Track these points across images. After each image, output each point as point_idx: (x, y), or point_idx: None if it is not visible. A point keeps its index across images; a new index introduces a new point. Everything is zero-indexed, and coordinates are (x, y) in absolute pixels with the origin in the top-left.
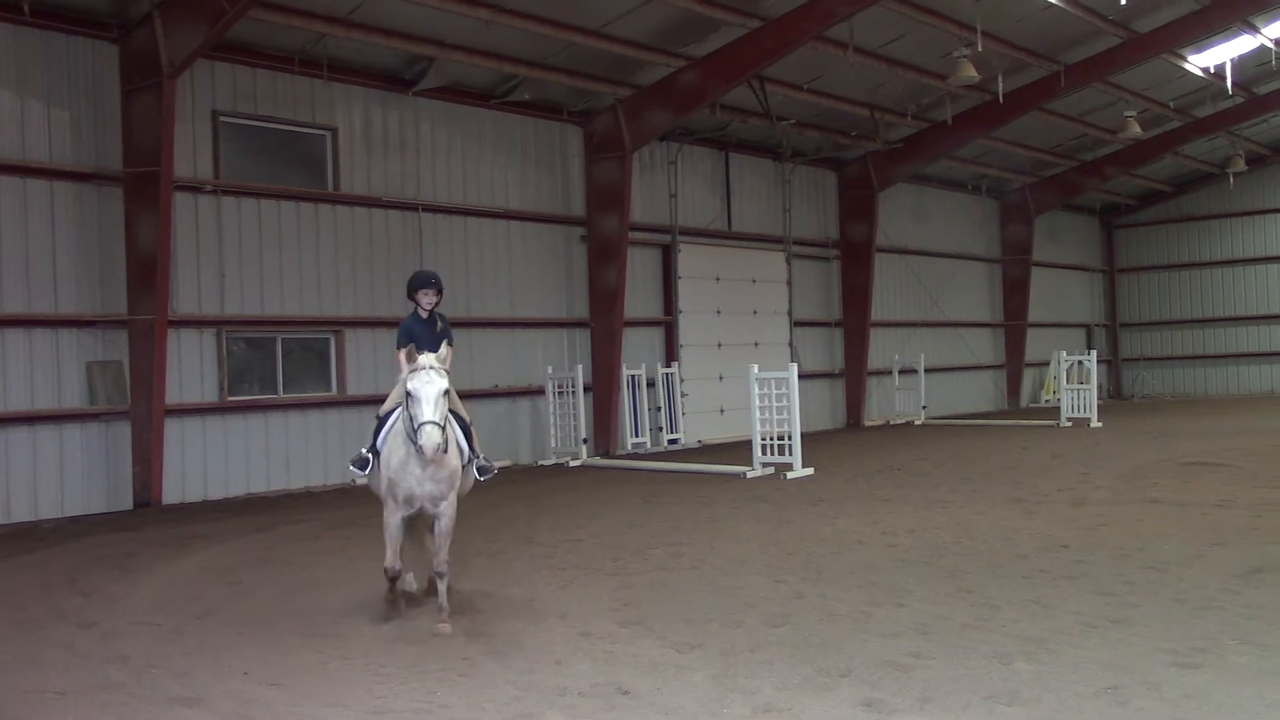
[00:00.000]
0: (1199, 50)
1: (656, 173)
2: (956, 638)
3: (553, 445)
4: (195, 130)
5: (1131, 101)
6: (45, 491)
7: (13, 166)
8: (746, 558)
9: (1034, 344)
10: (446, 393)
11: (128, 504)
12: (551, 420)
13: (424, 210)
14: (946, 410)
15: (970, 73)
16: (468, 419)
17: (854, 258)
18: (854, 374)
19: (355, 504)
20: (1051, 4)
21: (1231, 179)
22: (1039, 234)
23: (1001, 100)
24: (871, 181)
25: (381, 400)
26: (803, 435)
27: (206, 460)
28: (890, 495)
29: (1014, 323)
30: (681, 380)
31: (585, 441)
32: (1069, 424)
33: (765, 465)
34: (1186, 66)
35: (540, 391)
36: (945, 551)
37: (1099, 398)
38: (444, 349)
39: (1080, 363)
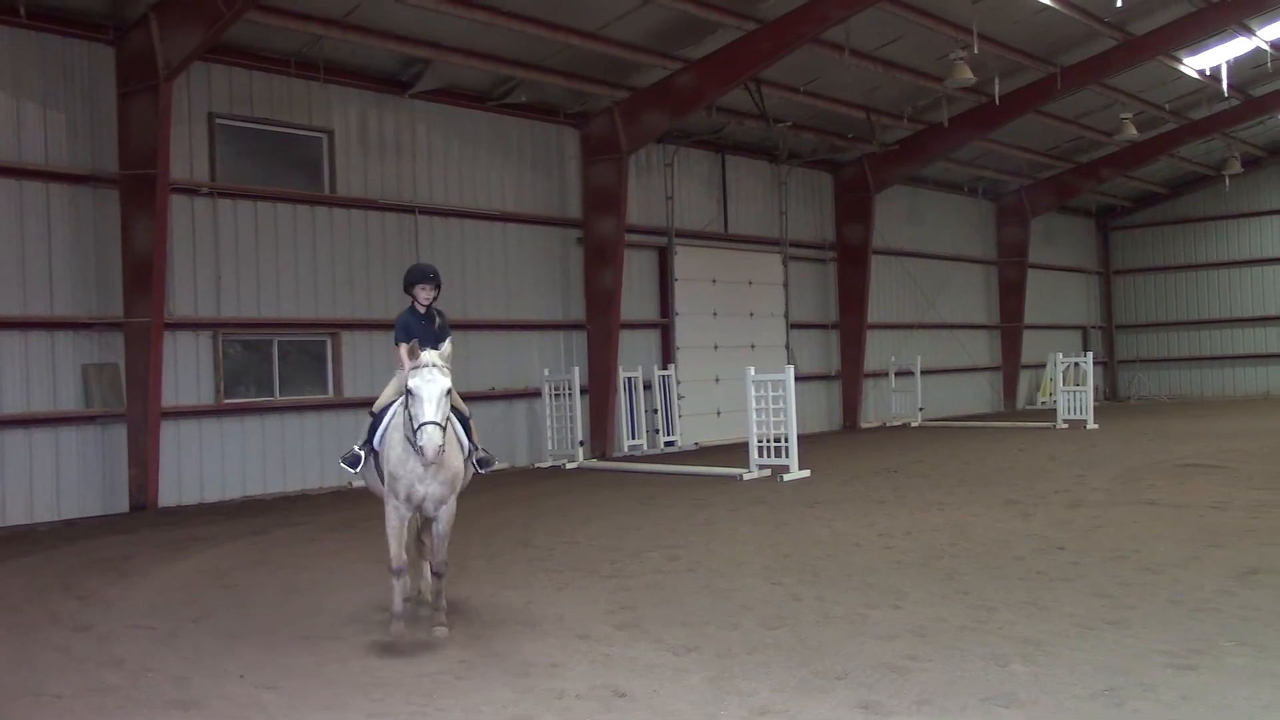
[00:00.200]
0: (1195, 53)
1: (653, 175)
2: (953, 640)
3: (549, 448)
4: (191, 132)
5: (1127, 104)
6: (41, 494)
7: (9, 169)
8: (743, 560)
9: (1030, 346)
10: (449, 392)
11: (124, 507)
12: (548, 423)
13: (420, 212)
14: (943, 412)
15: (966, 75)
16: (467, 412)
17: (850, 260)
18: (850, 376)
19: (352, 506)
20: (1047, 6)
21: (1227, 181)
22: (1035, 236)
23: (998, 102)
24: (868, 183)
25: None
26: (799, 437)
27: (203, 463)
28: (887, 497)
29: (1010, 325)
30: (678, 382)
31: (582, 444)
32: (1065, 426)
33: (762, 467)
34: (1182, 69)
35: (537, 394)
36: (942, 553)
37: (1095, 399)
38: (446, 346)
39: (1076, 364)
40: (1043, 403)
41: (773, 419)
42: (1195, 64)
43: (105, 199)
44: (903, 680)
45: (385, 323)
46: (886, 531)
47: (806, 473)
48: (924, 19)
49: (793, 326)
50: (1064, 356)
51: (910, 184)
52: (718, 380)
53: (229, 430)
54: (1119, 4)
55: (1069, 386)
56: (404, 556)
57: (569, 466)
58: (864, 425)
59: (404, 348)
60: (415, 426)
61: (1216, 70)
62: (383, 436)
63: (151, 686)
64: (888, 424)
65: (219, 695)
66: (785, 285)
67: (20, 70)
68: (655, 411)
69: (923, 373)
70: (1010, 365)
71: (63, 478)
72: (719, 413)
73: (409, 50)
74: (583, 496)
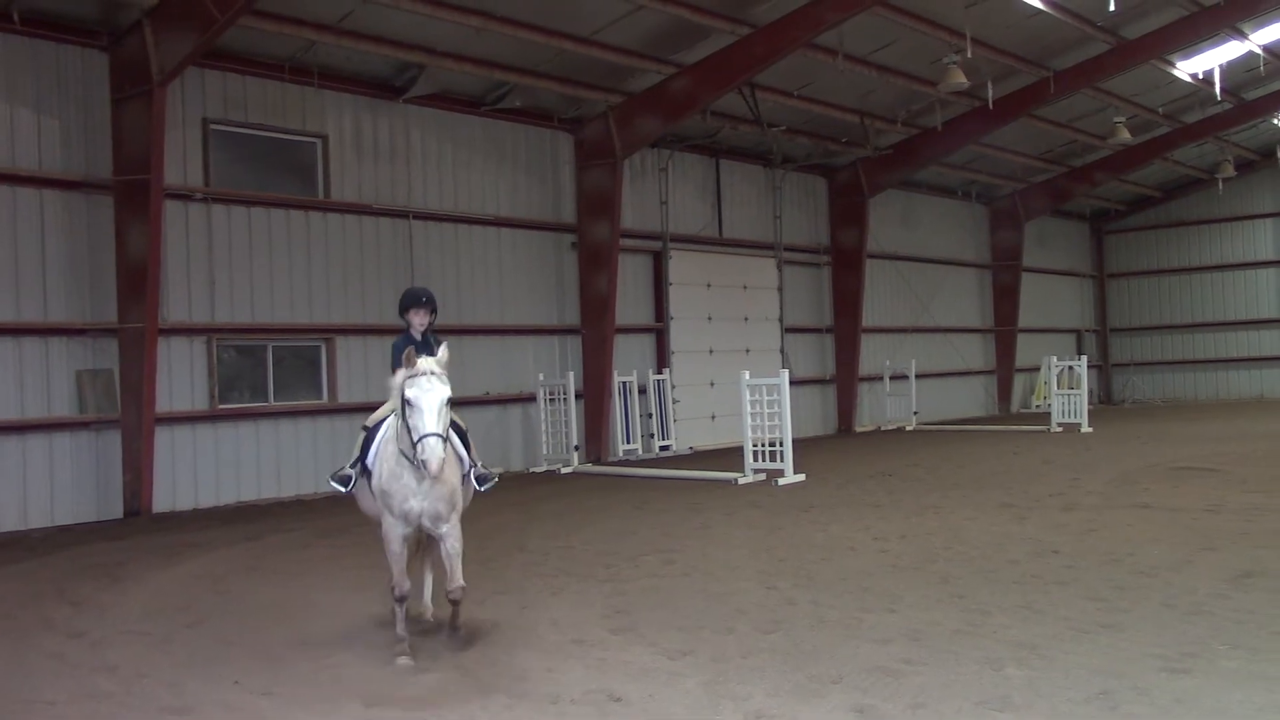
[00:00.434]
0: (1187, 56)
1: (647, 179)
2: (948, 644)
3: (544, 452)
4: (185, 138)
5: (1121, 107)
6: (35, 501)
7: (2, 175)
8: (738, 564)
9: (1024, 349)
10: (449, 402)
11: (118, 513)
12: (543, 427)
13: (415, 217)
14: (938, 416)
15: (960, 79)
16: (464, 426)
17: (845, 264)
18: (845, 380)
19: (346, 512)
20: (1041, 10)
21: (1220, 184)
22: (1029, 240)
23: (991, 106)
24: (862, 188)
25: (375, 408)
26: (794, 441)
27: (197, 469)
28: (882, 501)
29: (1004, 328)
30: (673, 386)
31: (577, 448)
32: (1059, 429)
33: (757, 471)
34: (1175, 73)
35: (532, 398)
36: (936, 557)
37: (1089, 403)
38: (443, 351)
39: (1070, 368)
40: (1037, 406)
41: (767, 423)
42: (1188, 68)
43: (99, 205)
44: (897, 684)
45: (380, 328)
46: (881, 535)
47: (801, 477)
48: (917, 23)
49: (787, 330)
50: (1058, 360)
51: (904, 188)
52: (712, 384)
53: (223, 436)
54: (1112, 8)
55: (1063, 390)
56: (407, 582)
57: (564, 471)
58: (859, 429)
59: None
60: (415, 439)
61: (1209, 74)
62: (376, 452)
63: (145, 693)
64: (882, 428)
65: (213, 701)
66: (780, 289)
67: (13, 76)
68: (650, 416)
69: (917, 376)
70: (1004, 369)
71: (57, 483)
72: (714, 417)
73: (403, 55)
74: (578, 501)
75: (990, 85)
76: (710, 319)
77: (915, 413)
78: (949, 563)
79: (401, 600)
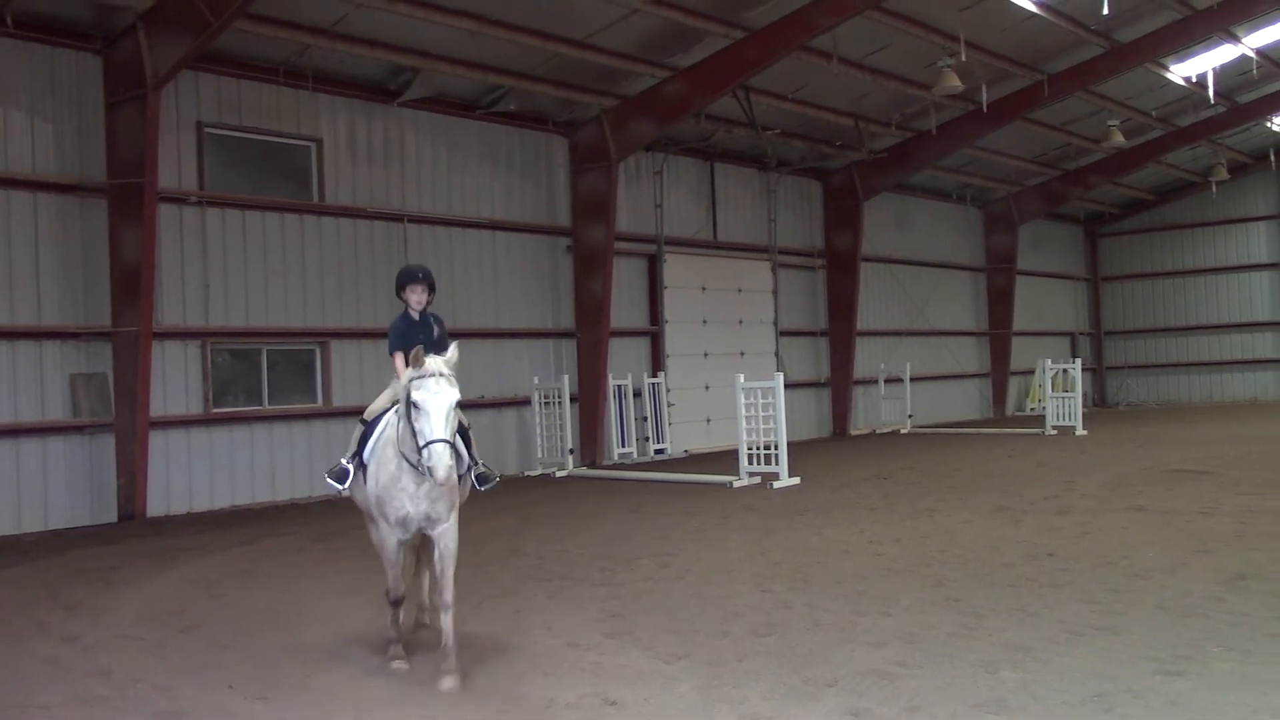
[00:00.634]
0: (1181, 60)
1: (642, 183)
2: (943, 646)
3: (539, 456)
4: (180, 141)
5: (1114, 111)
6: (28, 504)
7: None
8: (733, 567)
9: (1019, 352)
10: (458, 405)
11: (112, 517)
12: (538, 431)
13: (409, 221)
14: (932, 419)
15: (954, 82)
16: (467, 424)
17: (839, 267)
18: (840, 383)
19: (341, 516)
20: (1034, 14)
21: (1214, 187)
22: (1023, 243)
23: (985, 110)
24: (856, 191)
25: None
26: (789, 445)
27: (191, 473)
28: (877, 504)
29: (999, 331)
30: (668, 390)
31: (572, 452)
32: (1054, 432)
33: (752, 475)
34: (1169, 76)
35: (526, 402)
36: (931, 560)
37: (1083, 405)
38: (452, 351)
39: (1065, 371)
40: (1031, 409)
41: (762, 426)
42: (1182, 71)
43: (93, 208)
44: (892, 687)
45: (374, 331)
46: (876, 538)
47: (796, 480)
48: (911, 26)
49: (782, 334)
50: (1052, 363)
51: (898, 191)
52: (707, 388)
53: (217, 440)
54: (1106, 11)
55: (1057, 393)
56: (403, 586)
57: (559, 475)
58: (853, 432)
59: (400, 359)
60: (421, 444)
61: (1203, 77)
62: (373, 449)
63: (140, 697)
64: (877, 431)
65: (207, 706)
66: (774, 293)
67: (7, 80)
68: (645, 419)
69: (912, 379)
70: (999, 372)
71: (50, 488)
72: (709, 420)
73: (397, 59)
74: (572, 505)
75: (984, 88)
76: (705, 322)
77: (910, 416)
78: (944, 566)
79: (397, 604)
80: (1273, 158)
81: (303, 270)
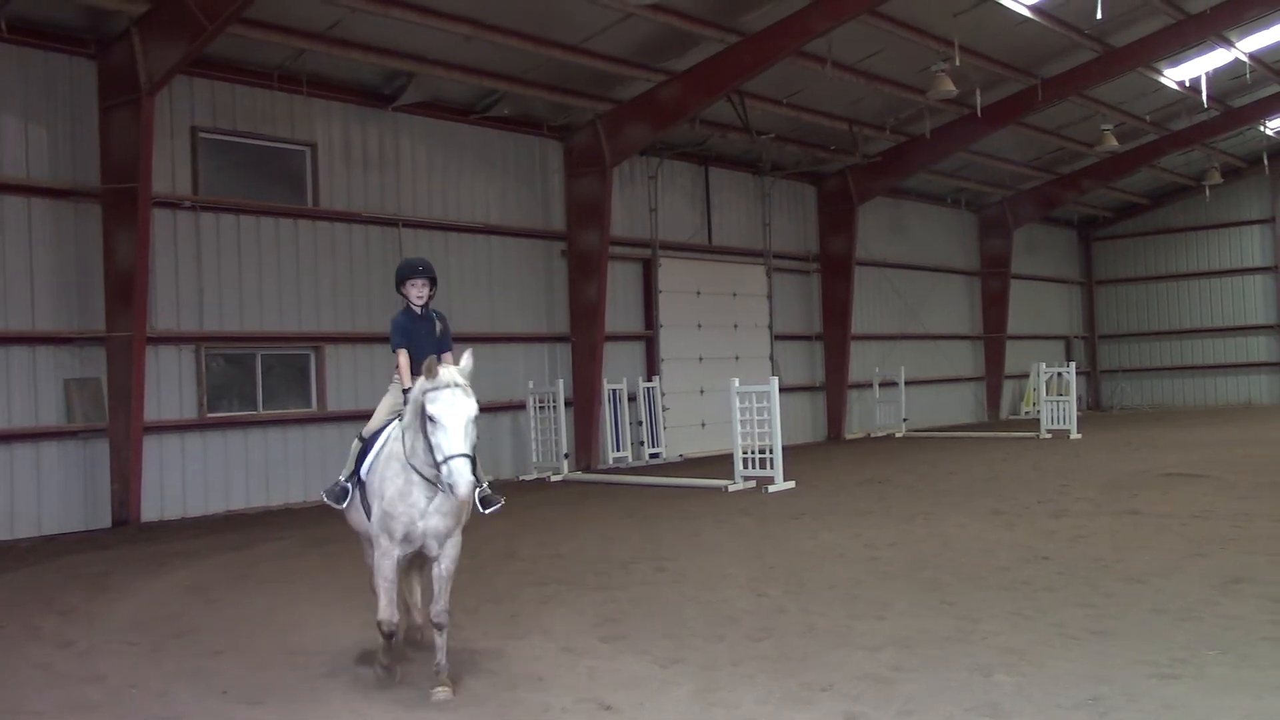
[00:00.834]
0: (1174, 64)
1: (637, 187)
2: (937, 650)
3: (534, 460)
4: (174, 146)
5: (1108, 115)
6: (22, 510)
7: None
8: (728, 572)
9: (1013, 356)
10: (475, 417)
11: (106, 522)
12: (533, 435)
13: (404, 225)
14: (927, 423)
15: (948, 87)
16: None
17: (834, 271)
18: (835, 387)
19: (335, 521)
20: (1028, 18)
21: (1207, 191)
22: (1017, 247)
23: (979, 114)
24: (851, 195)
25: (364, 417)
26: (784, 449)
27: (185, 478)
28: (871, 508)
29: (993, 335)
30: (663, 394)
31: (567, 456)
32: (1049, 436)
33: (747, 479)
34: (1162, 80)
35: (521, 406)
36: (926, 564)
37: (1078, 409)
38: (466, 359)
39: (1059, 374)
40: (1026, 413)
41: (757, 430)
42: (1175, 75)
43: (87, 213)
44: (887, 691)
45: (369, 336)
46: (871, 543)
47: (791, 484)
48: (905, 31)
49: (777, 338)
50: (1047, 366)
51: (893, 195)
52: (702, 392)
53: (212, 445)
54: (1099, 16)
55: (1052, 396)
56: (397, 616)
57: (554, 479)
58: (848, 436)
59: (404, 356)
60: (440, 460)
61: (1196, 82)
62: (372, 466)
63: (134, 703)
64: (872, 435)
65: (202, 712)
66: (769, 297)
67: (1, 84)
68: (640, 423)
69: (907, 383)
70: (994, 376)
71: (44, 493)
72: (704, 424)
73: (392, 63)
74: (568, 509)
75: (979, 93)
76: (700, 326)
77: (905, 420)
78: (939, 570)
79: (390, 637)
80: (1266, 162)
81: (297, 275)
